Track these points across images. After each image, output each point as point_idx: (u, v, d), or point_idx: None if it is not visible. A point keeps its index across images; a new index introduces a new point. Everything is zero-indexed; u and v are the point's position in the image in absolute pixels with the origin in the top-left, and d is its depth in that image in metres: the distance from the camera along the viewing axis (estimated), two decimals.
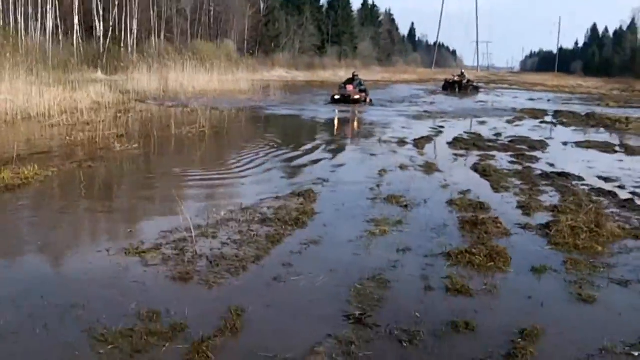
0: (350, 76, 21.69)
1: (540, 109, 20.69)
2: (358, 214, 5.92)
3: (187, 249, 4.65)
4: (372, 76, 43.75)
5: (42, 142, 10.06)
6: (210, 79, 26.67)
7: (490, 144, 11.21)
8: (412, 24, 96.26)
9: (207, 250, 4.64)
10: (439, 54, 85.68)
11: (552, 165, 9.08)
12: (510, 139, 12.10)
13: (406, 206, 6.18)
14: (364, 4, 71.70)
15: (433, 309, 3.70)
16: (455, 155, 9.86)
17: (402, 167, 8.48)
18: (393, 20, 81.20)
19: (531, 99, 27.25)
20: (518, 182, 7.65)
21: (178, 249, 4.65)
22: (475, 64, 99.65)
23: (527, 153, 10.18)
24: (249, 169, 8.28)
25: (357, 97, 20.08)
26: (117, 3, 38.53)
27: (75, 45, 35.69)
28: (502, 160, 9.33)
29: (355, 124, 15.49)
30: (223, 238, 4.97)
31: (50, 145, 9.74)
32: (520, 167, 8.75)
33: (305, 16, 57.12)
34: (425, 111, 18.95)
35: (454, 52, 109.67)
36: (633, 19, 71.31)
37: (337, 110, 18.22)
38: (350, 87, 20.48)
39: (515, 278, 4.30)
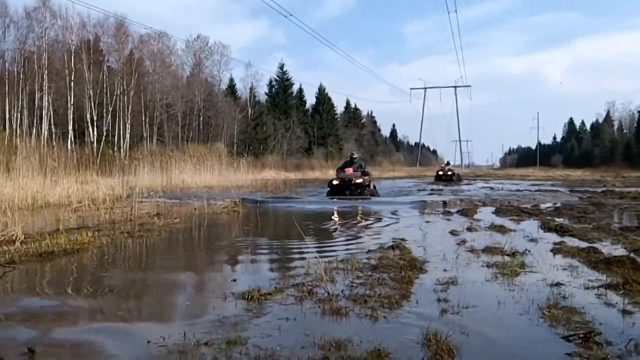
0: (348, 158, 17.56)
1: (552, 190, 20.59)
2: (470, 261, 5.41)
3: (316, 291, 4.07)
4: None
5: (76, 221, 9.45)
6: (212, 177, 27.04)
7: (537, 212, 10.82)
8: (394, 125, 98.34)
9: (339, 292, 4.06)
10: (421, 153, 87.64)
11: (620, 222, 8.73)
12: (553, 208, 11.78)
13: (513, 254, 5.69)
14: (347, 107, 73.95)
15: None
16: (513, 219, 9.44)
17: (471, 229, 8.04)
18: (375, 122, 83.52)
19: (534, 185, 27.28)
20: (604, 235, 7.25)
21: (305, 291, 4.08)
22: (456, 162, 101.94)
23: (585, 215, 9.82)
24: (312, 235, 7.71)
25: (359, 180, 16.31)
26: (110, 110, 39.14)
27: (69, 150, 35.67)
28: (566, 222, 8.90)
29: (379, 206, 14.28)
30: (345, 282, 4.42)
31: (87, 223, 9.11)
32: (590, 226, 8.33)
33: (292, 119, 58.53)
34: (443, 200, 14.68)
35: (434, 151, 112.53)
36: (608, 112, 74.48)
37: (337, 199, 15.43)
38: (349, 170, 16.66)
39: None
